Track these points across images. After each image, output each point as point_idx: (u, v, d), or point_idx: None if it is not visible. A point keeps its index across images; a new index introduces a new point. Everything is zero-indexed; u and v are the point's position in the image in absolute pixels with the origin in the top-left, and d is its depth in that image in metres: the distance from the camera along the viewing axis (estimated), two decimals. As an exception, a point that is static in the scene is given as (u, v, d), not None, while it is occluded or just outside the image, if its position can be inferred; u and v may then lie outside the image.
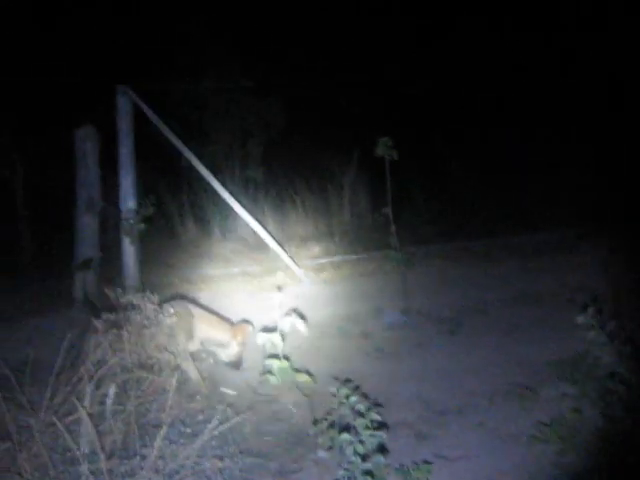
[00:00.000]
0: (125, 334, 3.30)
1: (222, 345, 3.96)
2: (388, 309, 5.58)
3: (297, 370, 3.52)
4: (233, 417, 3.14)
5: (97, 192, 6.04)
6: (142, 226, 5.56)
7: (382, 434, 2.60)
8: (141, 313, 3.41)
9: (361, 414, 2.62)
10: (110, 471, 2.65)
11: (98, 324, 3.30)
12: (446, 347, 4.70)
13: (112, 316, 3.35)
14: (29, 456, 2.77)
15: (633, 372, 3.09)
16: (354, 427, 2.59)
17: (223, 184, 6.74)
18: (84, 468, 2.60)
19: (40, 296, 6.35)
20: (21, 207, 8.48)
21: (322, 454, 2.89)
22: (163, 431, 2.73)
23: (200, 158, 6.64)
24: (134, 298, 3.47)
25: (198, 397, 3.60)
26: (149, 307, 3.42)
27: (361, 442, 2.50)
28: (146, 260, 7.04)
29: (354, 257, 7.40)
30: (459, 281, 6.46)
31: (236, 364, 3.92)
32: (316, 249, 8.10)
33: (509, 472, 2.80)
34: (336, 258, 7.42)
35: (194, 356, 4.00)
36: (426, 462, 2.77)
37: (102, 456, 2.62)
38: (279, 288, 3.56)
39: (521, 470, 2.80)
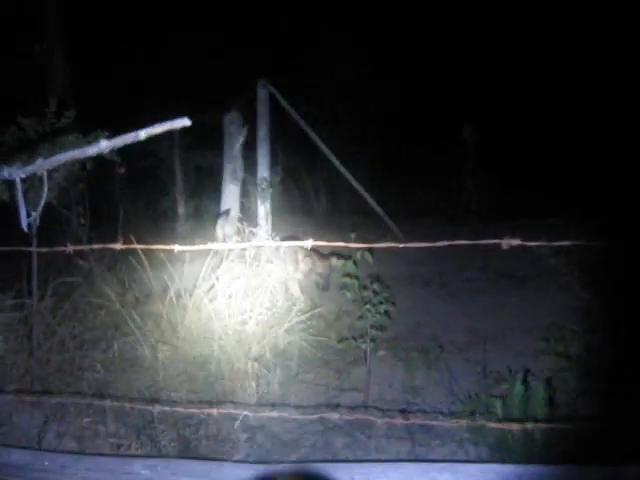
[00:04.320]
0: (247, 259, 5.50)
1: (319, 274, 6.09)
2: (470, 267, 7.41)
3: (364, 287, 5.50)
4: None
5: (240, 165, 8.32)
6: (271, 190, 7.74)
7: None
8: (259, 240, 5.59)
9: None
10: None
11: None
12: (507, 295, 6.51)
13: (238, 245, 5.55)
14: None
15: None
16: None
17: (353, 162, 8.81)
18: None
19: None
20: (180, 181, 11.08)
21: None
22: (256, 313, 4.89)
23: (332, 138, 8.79)
24: (254, 230, 5.67)
25: (298, 302, 5.77)
26: (265, 236, 5.59)
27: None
28: (284, 227, 9.29)
29: (456, 228, 9.25)
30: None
31: (325, 287, 6.04)
32: (429, 220, 10.02)
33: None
34: (440, 228, 9.30)
35: (300, 282, 6.17)
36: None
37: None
38: (354, 230, 5.53)
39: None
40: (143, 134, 2.07)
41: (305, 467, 2.75)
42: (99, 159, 5.74)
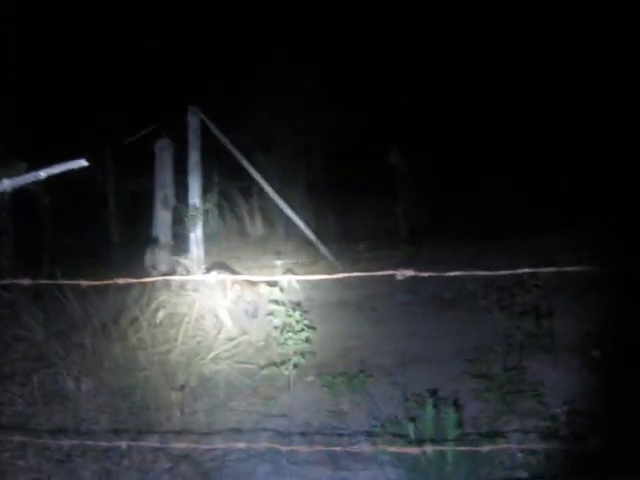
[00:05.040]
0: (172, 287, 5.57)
1: (247, 302, 6.17)
2: (402, 290, 7.57)
3: (290, 315, 5.60)
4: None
5: (171, 192, 8.37)
6: (201, 217, 7.80)
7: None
8: (187, 274, 5.66)
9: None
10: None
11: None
12: (436, 318, 6.72)
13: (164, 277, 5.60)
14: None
15: None
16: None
17: (288, 188, 8.95)
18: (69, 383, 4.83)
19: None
20: (112, 207, 11.05)
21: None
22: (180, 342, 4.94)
23: (268, 163, 8.93)
24: (182, 262, 5.73)
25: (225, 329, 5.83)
26: (194, 264, 5.66)
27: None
28: (218, 253, 9.36)
29: (389, 252, 9.46)
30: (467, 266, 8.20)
31: (253, 314, 6.13)
32: (363, 246, 10.21)
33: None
34: (372, 253, 9.49)
35: (229, 310, 6.24)
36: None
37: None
38: (279, 253, 5.68)
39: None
40: (43, 174, 2.14)
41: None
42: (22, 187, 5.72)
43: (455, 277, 5.05)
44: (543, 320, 5.30)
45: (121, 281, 2.55)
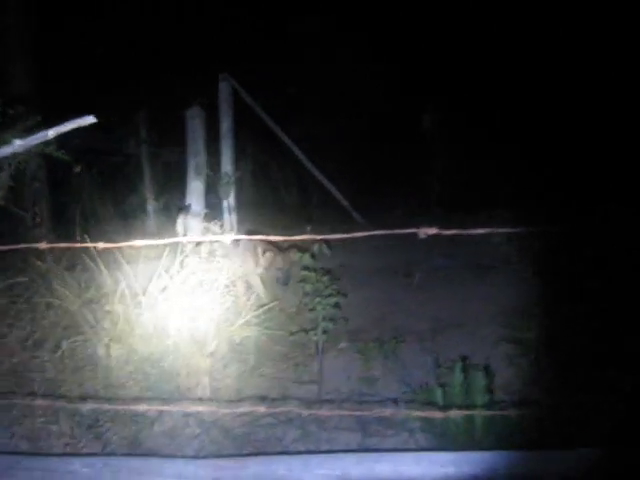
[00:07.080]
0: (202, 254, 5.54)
1: (279, 268, 6.12)
2: (438, 256, 7.44)
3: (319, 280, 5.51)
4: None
5: (203, 160, 8.31)
6: (233, 185, 7.75)
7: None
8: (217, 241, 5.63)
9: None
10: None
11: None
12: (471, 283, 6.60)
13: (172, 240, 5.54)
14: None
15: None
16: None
17: (321, 155, 8.88)
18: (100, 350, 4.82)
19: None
20: (148, 177, 11.04)
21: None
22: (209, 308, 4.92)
23: (300, 131, 8.85)
24: (214, 229, 5.69)
25: (256, 296, 5.79)
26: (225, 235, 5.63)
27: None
28: (251, 221, 9.31)
29: (424, 218, 9.29)
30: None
31: (284, 281, 6.08)
32: (398, 212, 10.09)
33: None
34: (406, 219, 9.35)
35: (262, 277, 6.20)
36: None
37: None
38: (310, 221, 5.60)
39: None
40: (52, 132, 2.10)
41: (242, 461, 2.79)
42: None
43: (491, 242, 4.94)
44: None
45: (138, 243, 2.51)
